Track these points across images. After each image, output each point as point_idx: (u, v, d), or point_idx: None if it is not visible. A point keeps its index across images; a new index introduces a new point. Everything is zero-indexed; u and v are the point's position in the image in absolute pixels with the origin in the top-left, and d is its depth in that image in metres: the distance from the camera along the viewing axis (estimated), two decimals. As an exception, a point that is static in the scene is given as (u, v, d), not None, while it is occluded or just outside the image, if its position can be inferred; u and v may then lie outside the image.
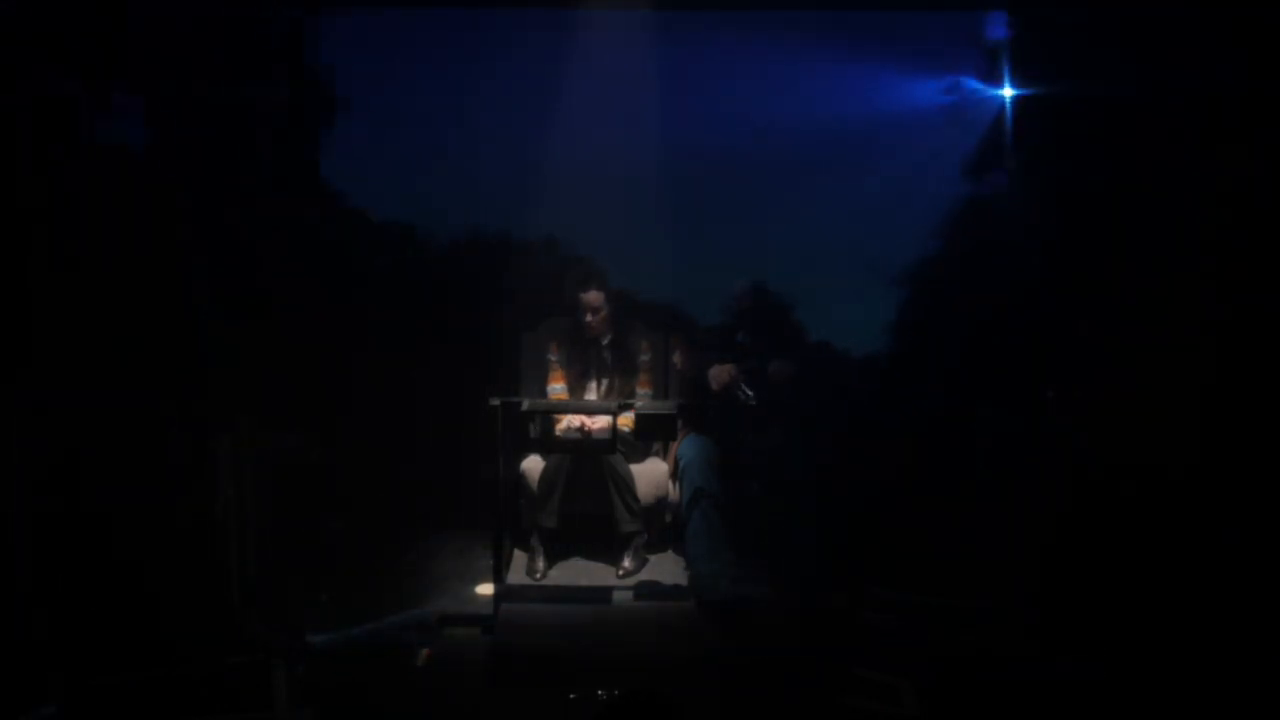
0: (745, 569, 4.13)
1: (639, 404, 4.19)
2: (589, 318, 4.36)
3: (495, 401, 4.04)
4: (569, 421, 4.27)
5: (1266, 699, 3.37)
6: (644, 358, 4.44)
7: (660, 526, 4.43)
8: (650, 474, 4.38)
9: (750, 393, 4.42)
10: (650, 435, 4.23)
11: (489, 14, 4.86)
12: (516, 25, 4.90)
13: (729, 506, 4.16)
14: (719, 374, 4.40)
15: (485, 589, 4.22)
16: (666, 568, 4.33)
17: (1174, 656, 3.59)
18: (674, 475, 4.34)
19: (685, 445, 4.26)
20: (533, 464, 4.34)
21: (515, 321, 4.63)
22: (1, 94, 3.73)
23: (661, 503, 4.38)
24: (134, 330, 3.85)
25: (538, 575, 4.25)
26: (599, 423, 4.22)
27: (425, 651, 3.80)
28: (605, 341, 4.42)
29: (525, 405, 4.13)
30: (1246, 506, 3.84)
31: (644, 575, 4.27)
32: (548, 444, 4.25)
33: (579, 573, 4.31)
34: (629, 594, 4.15)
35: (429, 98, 4.88)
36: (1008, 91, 4.50)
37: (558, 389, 4.41)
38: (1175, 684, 3.48)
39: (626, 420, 4.23)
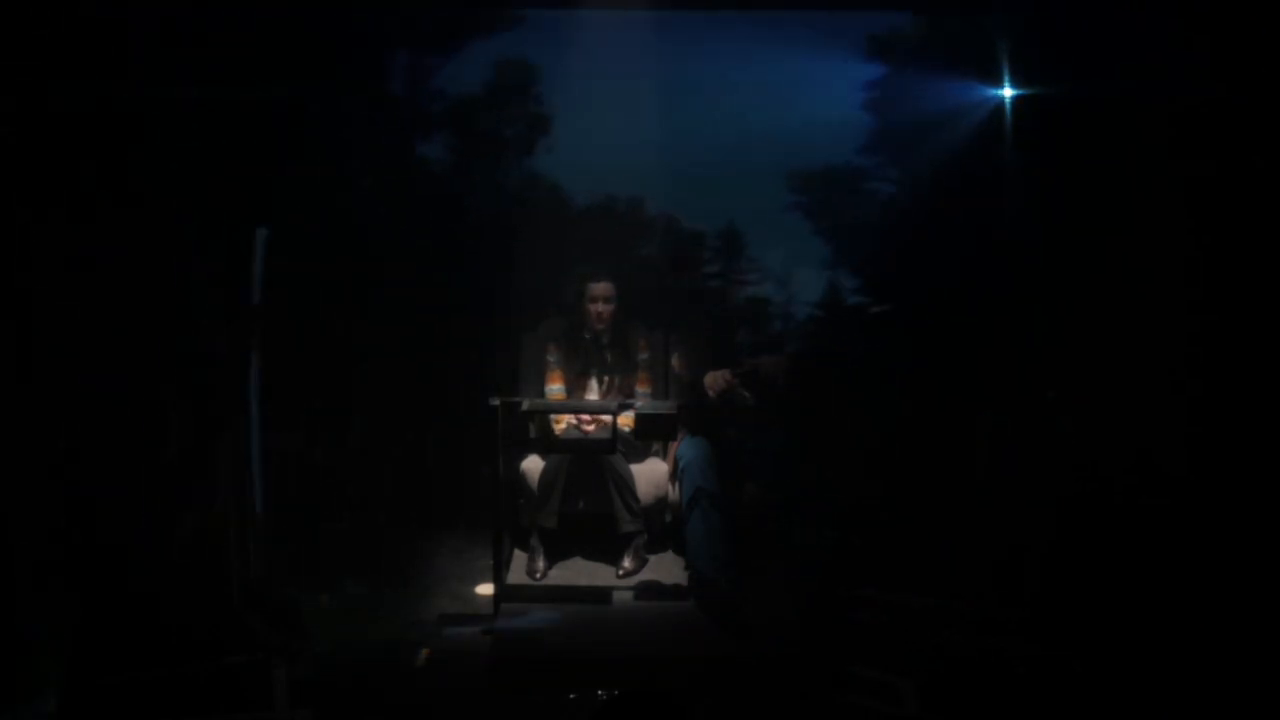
0: (745, 569, 4.13)
1: (639, 404, 4.19)
2: (600, 307, 4.36)
3: (495, 401, 4.04)
4: (568, 421, 4.27)
5: (1266, 698, 3.38)
6: (643, 356, 4.44)
7: (660, 526, 4.43)
8: (650, 474, 4.38)
9: (748, 394, 4.41)
10: (650, 435, 4.23)
11: (489, 13, 4.86)
12: (516, 24, 4.90)
13: (729, 506, 4.16)
14: (714, 380, 4.39)
15: (485, 589, 4.23)
16: (666, 568, 4.33)
17: (1173, 655, 3.59)
18: (674, 475, 4.34)
19: (685, 445, 4.26)
20: (533, 464, 4.34)
21: (515, 321, 4.63)
22: (9, 97, 3.74)
23: (661, 503, 4.38)
24: (134, 330, 3.85)
25: (538, 575, 4.25)
26: (597, 423, 4.22)
27: (425, 651, 3.80)
28: (605, 340, 4.43)
29: (525, 405, 4.13)
30: (1246, 504, 3.84)
31: (644, 575, 4.27)
32: (548, 444, 4.25)
33: (579, 573, 4.31)
34: (629, 594, 4.16)
35: (429, 96, 4.88)
36: (1007, 91, 4.50)
37: (555, 389, 4.41)
38: (1174, 682, 3.49)
39: (627, 420, 4.23)
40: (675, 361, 4.50)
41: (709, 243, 4.99)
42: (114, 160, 3.93)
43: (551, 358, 4.45)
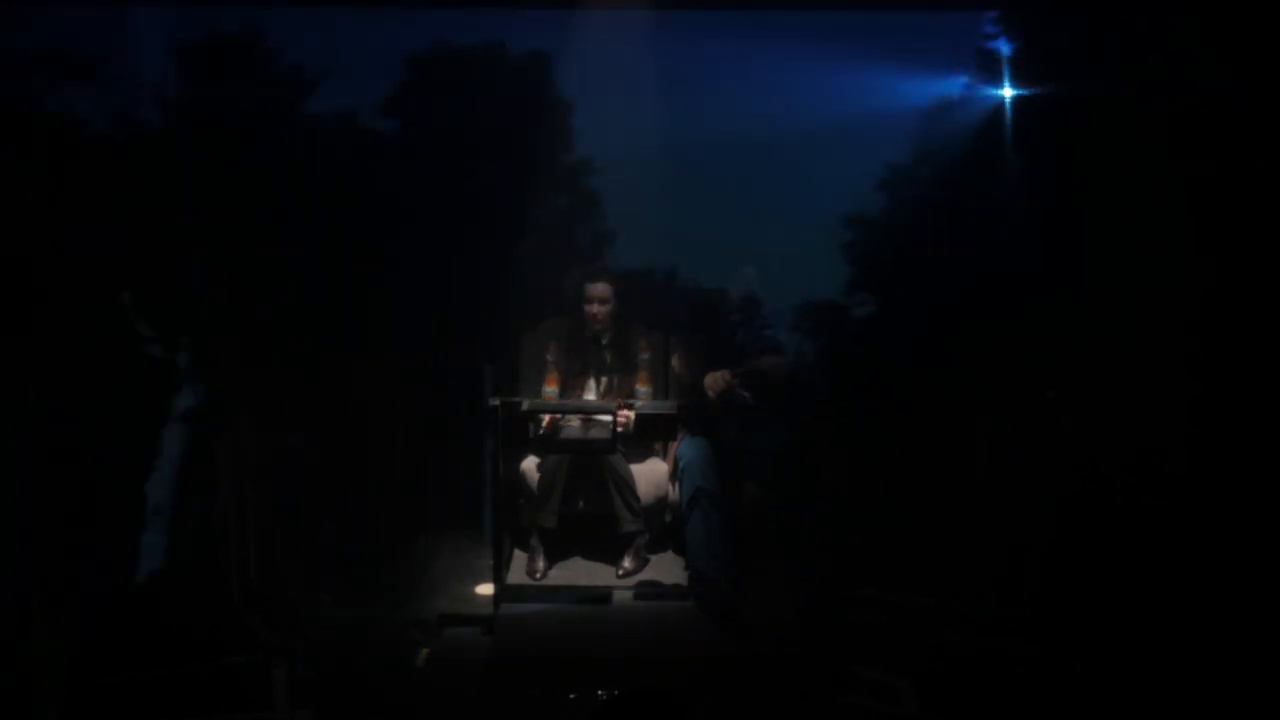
0: (745, 569, 4.13)
1: (639, 403, 4.18)
2: (596, 308, 4.35)
3: (495, 401, 4.03)
4: (566, 422, 4.26)
5: (1266, 698, 3.38)
6: (643, 356, 4.43)
7: (660, 526, 4.43)
8: (650, 474, 4.37)
9: (748, 394, 4.41)
10: (650, 435, 4.22)
11: (488, 13, 4.86)
12: (515, 23, 4.90)
13: (729, 506, 4.16)
14: (714, 381, 4.39)
15: (485, 589, 4.22)
16: (666, 568, 4.33)
17: (1173, 655, 3.59)
18: (674, 475, 4.34)
19: (685, 445, 4.26)
20: (532, 464, 4.33)
21: (515, 321, 4.63)
22: (12, 91, 3.75)
23: (661, 503, 4.38)
24: (134, 329, 3.86)
25: (538, 575, 4.25)
26: (595, 430, 4.21)
27: (425, 651, 3.80)
28: (605, 341, 4.42)
29: (525, 405, 4.13)
30: (1246, 504, 3.85)
31: (644, 575, 4.27)
32: (548, 444, 4.25)
33: (579, 573, 4.31)
34: (629, 594, 4.15)
35: (428, 95, 4.88)
36: (1007, 91, 4.50)
37: (550, 390, 4.40)
38: (1174, 682, 3.49)
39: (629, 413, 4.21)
40: (675, 361, 4.49)
41: (707, 244, 4.98)
42: (114, 160, 3.94)
43: (551, 357, 4.44)
